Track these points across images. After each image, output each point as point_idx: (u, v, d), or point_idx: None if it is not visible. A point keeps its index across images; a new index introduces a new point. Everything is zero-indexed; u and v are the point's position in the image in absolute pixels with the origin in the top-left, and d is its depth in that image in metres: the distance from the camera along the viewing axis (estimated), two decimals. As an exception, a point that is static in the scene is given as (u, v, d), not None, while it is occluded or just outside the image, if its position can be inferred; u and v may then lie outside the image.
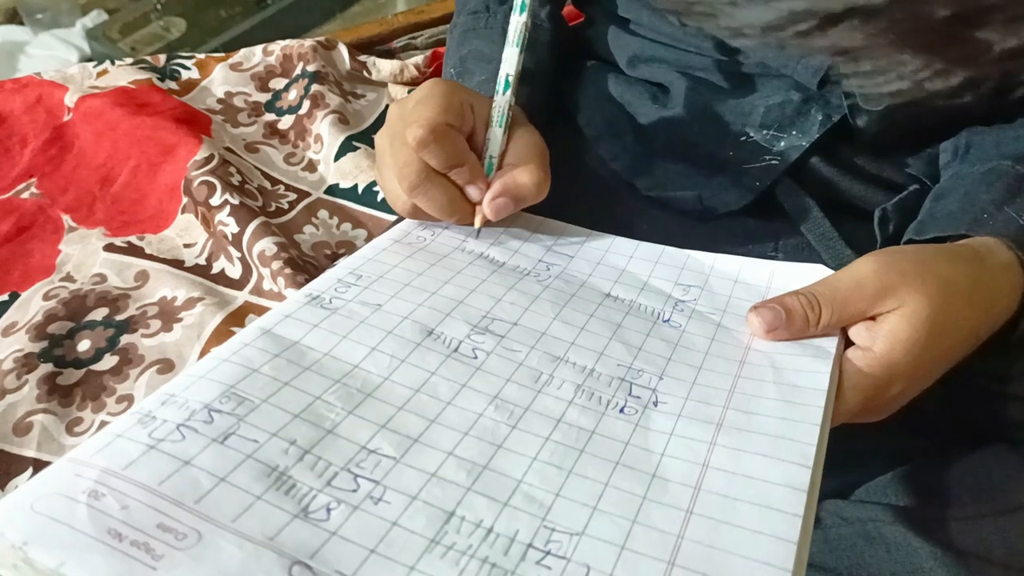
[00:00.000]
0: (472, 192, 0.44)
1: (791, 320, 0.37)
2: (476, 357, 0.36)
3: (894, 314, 0.37)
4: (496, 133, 0.45)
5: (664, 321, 0.41)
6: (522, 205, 0.45)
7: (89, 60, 1.22)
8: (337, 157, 0.81)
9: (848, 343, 0.38)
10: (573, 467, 0.31)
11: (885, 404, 0.38)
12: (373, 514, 0.28)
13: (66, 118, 0.84)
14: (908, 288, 0.36)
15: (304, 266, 0.69)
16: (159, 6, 1.33)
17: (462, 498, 0.29)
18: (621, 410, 0.34)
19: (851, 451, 0.40)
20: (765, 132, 0.49)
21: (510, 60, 0.46)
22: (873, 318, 0.38)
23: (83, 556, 0.25)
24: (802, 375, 0.36)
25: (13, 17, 1.38)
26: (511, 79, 0.45)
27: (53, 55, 1.28)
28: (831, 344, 0.37)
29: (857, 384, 0.36)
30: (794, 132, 0.48)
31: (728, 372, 0.37)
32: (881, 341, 0.37)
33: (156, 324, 0.66)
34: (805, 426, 0.33)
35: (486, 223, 0.45)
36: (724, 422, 0.34)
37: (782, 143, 0.48)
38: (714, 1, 0.20)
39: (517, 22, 0.46)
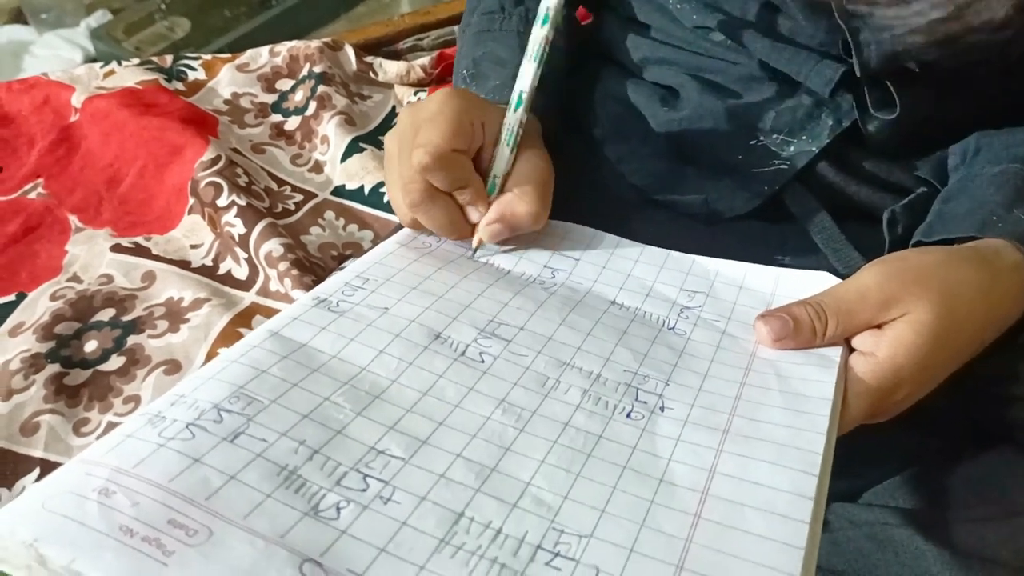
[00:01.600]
0: (472, 214, 0.44)
1: (799, 330, 0.38)
2: (483, 361, 0.37)
3: (899, 321, 0.37)
4: (503, 152, 0.44)
5: (669, 329, 0.41)
6: (517, 232, 0.44)
7: (93, 60, 1.22)
8: (343, 158, 0.81)
9: (852, 349, 0.38)
10: (581, 470, 0.31)
11: (890, 407, 0.38)
12: (383, 514, 0.28)
13: (73, 119, 0.84)
14: (912, 296, 0.37)
15: (311, 267, 0.69)
16: (163, 6, 1.34)
17: (471, 499, 0.29)
18: (628, 415, 0.34)
19: (859, 454, 0.40)
20: (775, 137, 0.49)
21: (526, 75, 0.44)
22: (879, 326, 0.38)
23: (94, 552, 0.25)
24: (807, 384, 0.36)
25: (18, 17, 1.39)
26: (525, 96, 0.43)
27: (57, 55, 1.28)
28: (835, 353, 0.38)
29: (862, 391, 0.36)
30: (804, 137, 0.48)
31: (734, 379, 0.37)
32: (885, 346, 0.37)
33: (163, 325, 0.66)
34: (811, 435, 0.33)
35: (483, 244, 0.45)
36: (730, 429, 0.34)
37: (792, 148, 0.48)
38: None
39: (538, 35, 0.43)
